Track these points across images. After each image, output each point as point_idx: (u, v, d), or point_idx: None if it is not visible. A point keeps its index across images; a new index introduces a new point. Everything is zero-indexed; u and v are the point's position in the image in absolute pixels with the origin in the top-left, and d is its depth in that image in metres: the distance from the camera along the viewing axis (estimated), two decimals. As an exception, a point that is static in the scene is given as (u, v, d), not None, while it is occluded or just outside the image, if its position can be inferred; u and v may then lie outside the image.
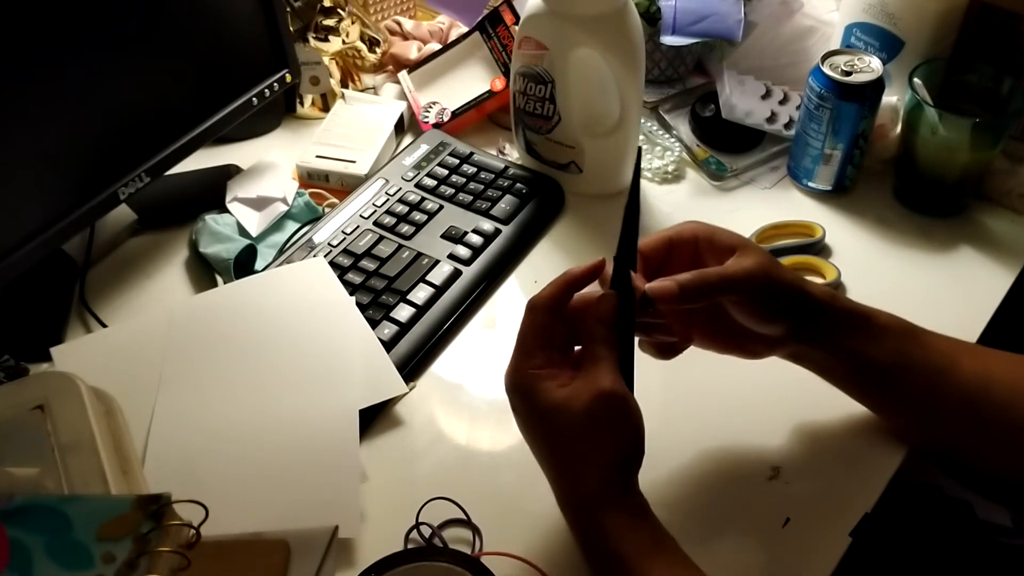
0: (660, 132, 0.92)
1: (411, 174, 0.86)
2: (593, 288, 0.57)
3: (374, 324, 0.72)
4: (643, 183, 0.88)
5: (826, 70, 0.79)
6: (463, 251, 0.78)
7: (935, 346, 0.60)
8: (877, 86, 0.79)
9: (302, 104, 0.96)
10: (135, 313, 0.77)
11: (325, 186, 0.88)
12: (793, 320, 0.58)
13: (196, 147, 0.80)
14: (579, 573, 0.57)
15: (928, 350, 0.59)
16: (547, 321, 0.54)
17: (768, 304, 0.57)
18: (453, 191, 0.84)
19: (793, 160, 0.87)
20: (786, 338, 0.59)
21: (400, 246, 0.79)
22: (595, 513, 0.51)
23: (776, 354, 0.61)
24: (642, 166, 0.88)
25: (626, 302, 0.55)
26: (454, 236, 0.80)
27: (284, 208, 0.83)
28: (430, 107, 0.93)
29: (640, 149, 0.60)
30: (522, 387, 0.53)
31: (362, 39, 0.99)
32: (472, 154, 0.88)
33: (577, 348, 0.57)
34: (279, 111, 0.96)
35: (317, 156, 0.88)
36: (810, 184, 0.86)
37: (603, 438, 0.51)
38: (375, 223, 0.81)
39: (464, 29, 0.99)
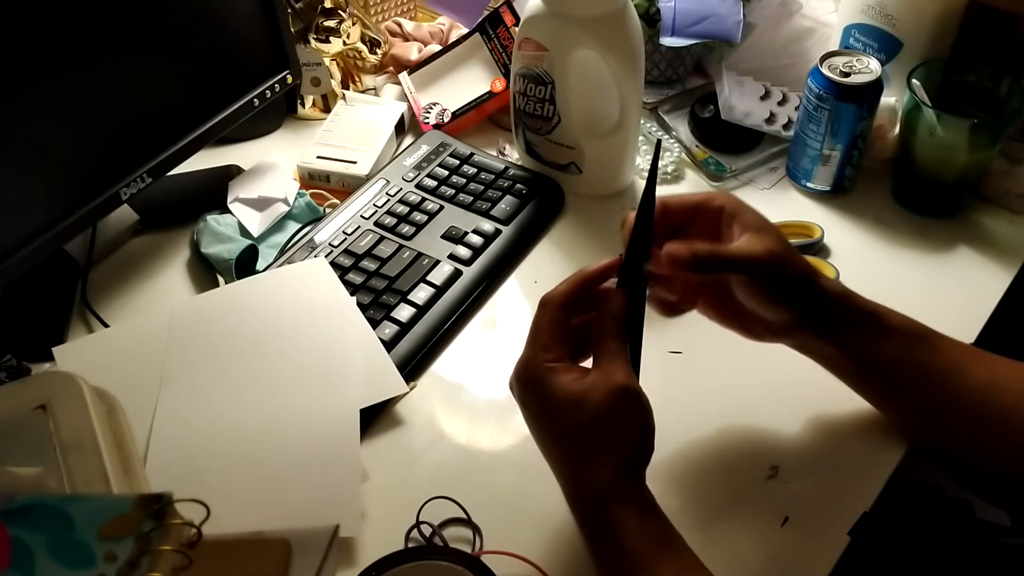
0: (659, 133, 0.92)
1: (412, 175, 0.86)
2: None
3: (375, 324, 0.72)
4: (643, 184, 0.87)
5: (825, 71, 0.79)
6: (463, 251, 0.79)
7: (944, 350, 0.59)
8: (875, 87, 0.79)
9: (303, 105, 0.97)
10: (137, 313, 0.77)
11: (326, 186, 0.88)
12: (798, 309, 0.58)
13: (198, 148, 0.80)
14: (580, 571, 0.57)
15: (936, 354, 0.59)
16: (560, 317, 0.54)
17: (774, 289, 0.57)
18: (453, 192, 0.84)
19: (792, 161, 0.87)
20: (791, 327, 0.59)
21: (401, 246, 0.79)
22: (605, 508, 0.51)
23: (782, 342, 0.62)
24: (641, 167, 0.89)
25: (636, 297, 0.55)
26: (454, 236, 0.80)
27: (285, 208, 0.83)
28: (431, 108, 0.93)
29: (659, 142, 0.60)
30: (535, 380, 0.53)
31: (363, 40, 1.00)
32: (472, 155, 0.88)
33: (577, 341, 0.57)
34: (280, 112, 0.96)
35: (318, 157, 0.88)
36: (809, 185, 0.86)
37: (617, 433, 0.51)
38: (376, 223, 0.81)
39: (464, 30, 0.99)
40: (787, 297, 0.58)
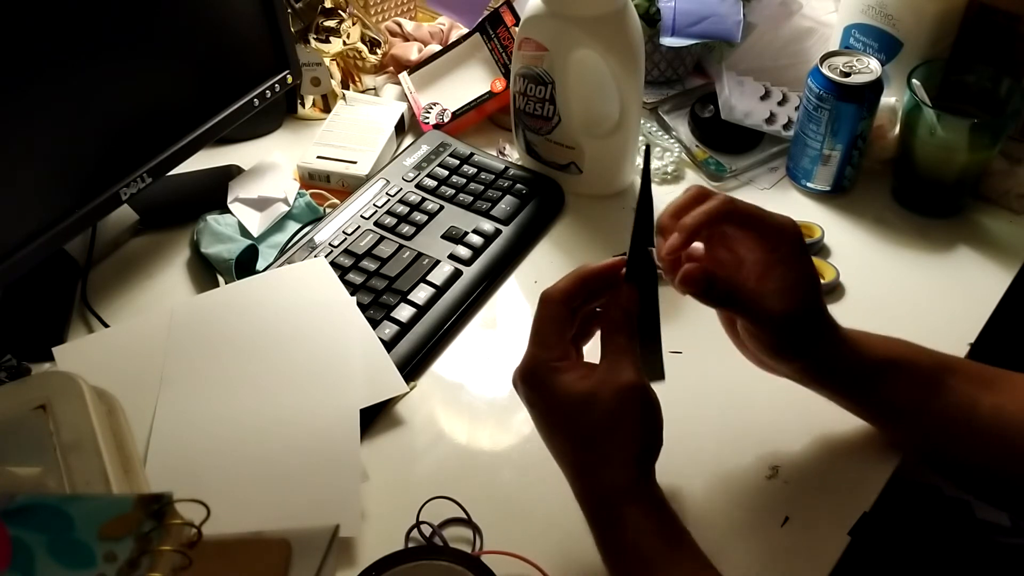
0: (659, 133, 0.92)
1: (412, 175, 0.86)
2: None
3: (375, 324, 0.72)
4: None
5: (825, 71, 0.79)
6: (463, 251, 0.79)
7: (952, 388, 0.58)
8: (876, 87, 0.79)
9: (303, 105, 0.97)
10: (137, 313, 0.77)
11: (326, 186, 0.88)
12: (803, 361, 0.58)
13: (198, 148, 0.80)
14: (580, 571, 0.57)
15: (943, 393, 0.58)
16: (563, 313, 0.54)
17: (779, 344, 0.57)
18: (453, 192, 0.84)
19: (792, 161, 0.87)
20: (793, 373, 0.60)
21: (401, 246, 0.79)
22: (616, 508, 0.51)
23: (782, 375, 0.62)
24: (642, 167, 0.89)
25: (648, 289, 0.55)
26: (454, 236, 0.80)
27: (285, 208, 0.83)
28: (431, 108, 0.93)
29: (648, 149, 0.59)
30: (541, 381, 0.52)
31: (363, 40, 1.00)
32: (472, 155, 0.88)
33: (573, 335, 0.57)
34: (280, 112, 0.96)
35: (318, 157, 0.88)
36: (809, 185, 0.86)
37: (627, 432, 0.51)
38: (376, 223, 0.81)
39: (464, 30, 0.99)
40: (792, 352, 0.57)
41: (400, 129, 0.94)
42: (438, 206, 0.83)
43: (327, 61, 0.95)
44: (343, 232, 0.80)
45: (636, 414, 0.51)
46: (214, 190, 0.85)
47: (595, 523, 0.53)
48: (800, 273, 0.55)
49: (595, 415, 0.51)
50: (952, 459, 0.61)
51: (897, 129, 0.84)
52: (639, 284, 0.55)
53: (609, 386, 0.51)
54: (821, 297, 0.57)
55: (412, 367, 0.71)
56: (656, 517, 0.51)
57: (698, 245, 0.58)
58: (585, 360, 0.56)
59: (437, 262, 0.77)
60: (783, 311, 0.55)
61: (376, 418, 0.67)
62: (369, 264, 0.77)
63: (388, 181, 0.86)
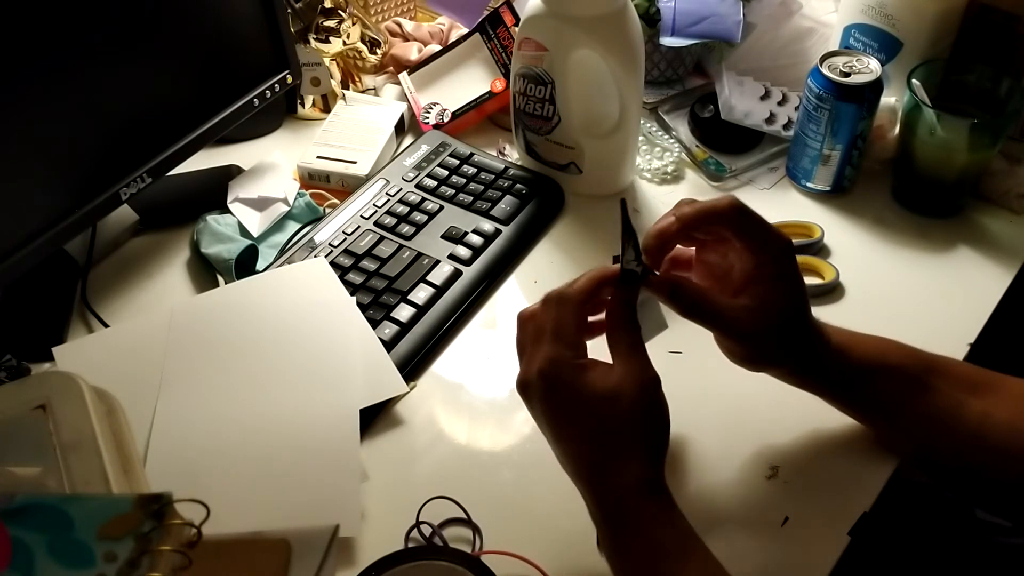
0: (659, 133, 0.92)
1: (411, 175, 0.86)
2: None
3: (375, 324, 0.72)
4: (643, 184, 0.88)
5: (825, 71, 0.79)
6: (463, 251, 0.79)
7: (939, 391, 0.59)
8: (875, 87, 0.79)
9: (303, 105, 0.97)
10: (137, 313, 0.77)
11: (326, 186, 0.88)
12: (780, 369, 0.59)
13: (198, 148, 0.80)
14: (580, 571, 0.57)
15: (929, 395, 0.58)
16: (581, 313, 0.54)
17: (752, 356, 0.58)
18: (453, 192, 0.84)
19: (792, 161, 0.87)
20: (777, 375, 0.60)
21: (401, 246, 0.79)
22: (633, 502, 0.51)
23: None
24: (641, 167, 0.89)
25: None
26: (454, 236, 0.80)
27: (285, 208, 0.83)
28: (430, 108, 0.93)
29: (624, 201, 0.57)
30: (566, 378, 0.52)
31: (363, 40, 1.00)
32: (472, 155, 0.88)
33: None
34: (280, 112, 0.96)
35: (318, 157, 0.88)
36: (809, 185, 0.86)
37: (648, 427, 0.52)
38: (376, 223, 0.81)
39: (464, 30, 0.99)
40: (763, 362, 0.58)
41: (400, 129, 0.94)
42: (438, 206, 0.83)
43: (327, 61, 0.94)
44: (343, 232, 0.80)
45: (656, 409, 0.52)
46: (214, 190, 0.85)
47: (608, 521, 0.52)
48: (778, 295, 0.55)
49: (619, 411, 0.51)
50: (938, 461, 0.61)
51: (897, 129, 0.84)
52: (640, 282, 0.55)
53: (632, 383, 0.51)
54: (805, 315, 0.57)
55: (412, 367, 0.71)
56: (671, 511, 0.51)
57: (688, 250, 0.58)
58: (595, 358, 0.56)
59: (437, 262, 0.77)
60: (749, 328, 0.55)
61: (376, 418, 0.67)
62: (369, 264, 0.77)
63: (388, 181, 0.86)
